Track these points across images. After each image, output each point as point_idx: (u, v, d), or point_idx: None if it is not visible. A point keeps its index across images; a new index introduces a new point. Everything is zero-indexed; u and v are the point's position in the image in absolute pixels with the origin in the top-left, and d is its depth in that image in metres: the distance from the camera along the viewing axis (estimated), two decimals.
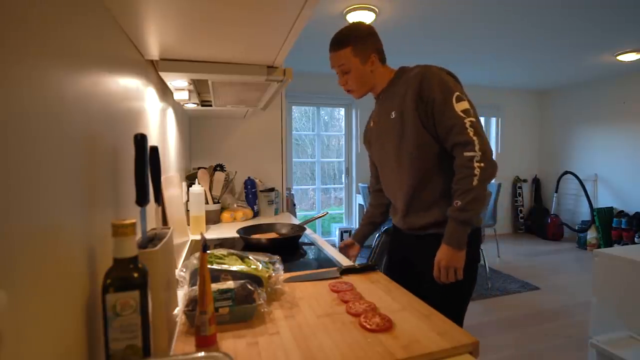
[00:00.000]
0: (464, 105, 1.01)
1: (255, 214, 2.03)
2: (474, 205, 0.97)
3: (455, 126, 0.99)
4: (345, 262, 1.15)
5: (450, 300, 1.04)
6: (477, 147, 0.97)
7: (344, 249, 1.40)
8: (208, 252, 0.78)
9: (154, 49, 0.90)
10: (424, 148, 1.06)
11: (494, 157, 0.99)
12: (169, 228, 0.72)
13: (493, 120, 5.32)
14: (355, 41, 1.10)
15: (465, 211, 0.97)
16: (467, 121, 0.99)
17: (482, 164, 0.97)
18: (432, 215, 1.08)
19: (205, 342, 0.59)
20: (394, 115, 1.11)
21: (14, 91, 0.34)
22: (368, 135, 1.29)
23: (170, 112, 1.42)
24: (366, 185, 4.15)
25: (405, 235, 1.19)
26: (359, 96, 1.21)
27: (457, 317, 1.05)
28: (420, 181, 1.08)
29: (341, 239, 4.66)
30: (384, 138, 1.17)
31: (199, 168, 1.90)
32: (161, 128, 1.22)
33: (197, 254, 0.76)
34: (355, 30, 1.12)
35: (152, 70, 1.03)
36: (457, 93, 1.01)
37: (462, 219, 0.98)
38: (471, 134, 0.98)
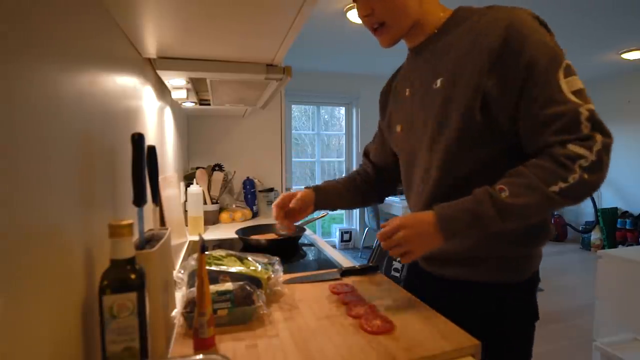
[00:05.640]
0: (576, 82, 0.63)
1: (254, 215, 2.02)
2: (523, 214, 0.62)
3: (564, 117, 0.61)
4: (345, 263, 1.14)
5: None
6: (595, 148, 0.59)
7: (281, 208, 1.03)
8: (206, 253, 0.77)
9: (151, 47, 0.89)
10: (469, 142, 0.70)
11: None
12: (167, 229, 0.72)
13: None
14: None
15: (504, 210, 0.61)
16: (585, 110, 0.61)
17: (585, 176, 0.59)
18: (456, 245, 0.72)
19: (203, 345, 0.58)
20: (438, 84, 0.73)
21: (10, 90, 0.34)
22: (395, 109, 0.88)
23: (168, 111, 1.42)
24: None
25: (424, 275, 0.84)
26: (393, 39, 0.79)
27: None
28: (451, 191, 0.70)
29: (341, 239, 4.63)
30: (418, 117, 0.79)
31: (197, 168, 1.89)
32: (159, 127, 1.21)
33: (196, 255, 0.75)
34: None
35: (150, 68, 1.03)
36: (567, 62, 0.65)
37: (490, 214, 0.61)
38: (586, 130, 0.60)
